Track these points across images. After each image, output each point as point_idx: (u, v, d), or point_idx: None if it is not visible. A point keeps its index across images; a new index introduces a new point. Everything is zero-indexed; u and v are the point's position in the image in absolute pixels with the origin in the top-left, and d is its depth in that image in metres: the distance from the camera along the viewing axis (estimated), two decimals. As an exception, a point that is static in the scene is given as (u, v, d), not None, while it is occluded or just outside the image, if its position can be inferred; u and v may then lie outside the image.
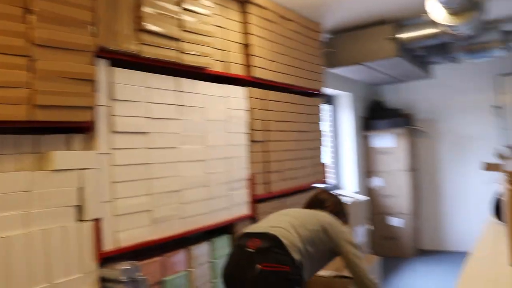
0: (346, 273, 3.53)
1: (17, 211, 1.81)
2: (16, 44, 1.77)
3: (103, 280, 2.08)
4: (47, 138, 1.97)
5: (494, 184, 4.10)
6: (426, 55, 4.63)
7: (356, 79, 5.38)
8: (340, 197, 2.74)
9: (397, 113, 5.84)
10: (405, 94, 6.09)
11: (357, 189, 5.53)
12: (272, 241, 2.10)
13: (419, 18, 4.02)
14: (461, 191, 5.81)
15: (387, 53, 4.04)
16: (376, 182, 5.77)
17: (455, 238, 5.85)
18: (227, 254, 2.25)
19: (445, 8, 3.11)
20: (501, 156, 3.87)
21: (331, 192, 2.81)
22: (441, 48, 4.54)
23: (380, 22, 4.09)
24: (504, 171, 2.28)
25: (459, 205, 5.84)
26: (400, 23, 4.18)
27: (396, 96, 6.15)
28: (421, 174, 6.06)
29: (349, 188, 5.56)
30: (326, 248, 2.33)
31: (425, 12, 3.87)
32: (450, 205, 5.91)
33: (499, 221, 2.51)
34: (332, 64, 4.41)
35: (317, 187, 2.77)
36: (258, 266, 2.00)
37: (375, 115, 5.89)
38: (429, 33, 3.92)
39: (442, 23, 3.31)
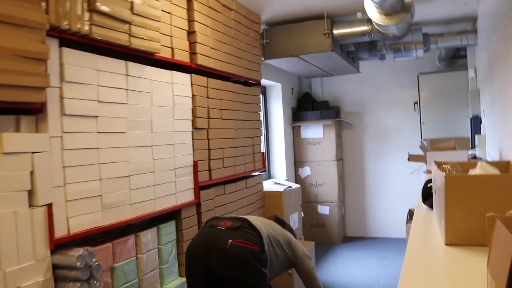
0: None
1: (-35, 195, 1.69)
2: (-34, 17, 1.66)
3: (56, 267, 2.02)
4: (-5, 119, 1.87)
5: (418, 173, 4.49)
6: (355, 51, 4.92)
7: (287, 70, 5.56)
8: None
9: (325, 105, 6.13)
10: (333, 87, 6.41)
11: (287, 178, 5.74)
12: (243, 222, 2.21)
13: (353, 15, 4.27)
14: (384, 180, 6.26)
15: (322, 47, 4.24)
16: (305, 171, 6.02)
17: (378, 225, 6.29)
18: (195, 235, 2.29)
19: (379, 9, 3.34)
20: (424, 148, 4.26)
21: None
22: (369, 45, 4.86)
23: (317, 17, 4.28)
24: (438, 162, 2.53)
25: (382, 193, 6.29)
26: (336, 19, 4.41)
27: (324, 88, 6.45)
28: (347, 164, 6.43)
29: (279, 176, 5.75)
30: (287, 256, 2.49)
31: (358, 10, 4.13)
32: (373, 193, 6.35)
33: (428, 207, 2.77)
34: (267, 55, 4.53)
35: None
36: (229, 240, 2.07)
37: (304, 106, 6.13)
38: (361, 31, 4.18)
39: (375, 22, 3.56)
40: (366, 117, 6.27)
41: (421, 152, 4.34)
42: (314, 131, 5.97)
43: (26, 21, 1.85)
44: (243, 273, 2.11)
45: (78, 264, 1.98)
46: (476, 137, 4.47)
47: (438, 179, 2.11)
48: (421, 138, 5.52)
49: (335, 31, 4.28)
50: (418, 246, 2.05)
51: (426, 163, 3.81)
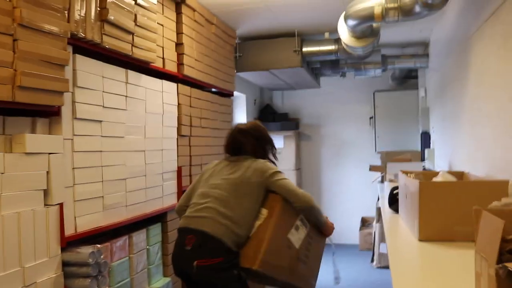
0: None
1: (-8, 193, 1.77)
2: (4, 23, 1.75)
3: (65, 264, 2.10)
4: (13, 120, 1.95)
5: (373, 183, 4.88)
6: (320, 67, 5.26)
7: (252, 81, 5.80)
8: (257, 125, 2.62)
9: (286, 117, 6.43)
10: (293, 100, 6.75)
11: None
12: (204, 236, 2.16)
13: (321, 35, 4.60)
14: (339, 189, 6.65)
15: (292, 63, 4.53)
16: (265, 179, 6.28)
17: (335, 231, 6.62)
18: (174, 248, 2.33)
19: (350, 32, 3.68)
20: (383, 159, 4.66)
21: (245, 126, 2.61)
22: (332, 63, 5.22)
23: (288, 35, 4.57)
24: (405, 172, 2.86)
25: (337, 202, 6.66)
26: (305, 37, 4.72)
27: (285, 101, 6.77)
28: (305, 173, 6.76)
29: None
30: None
31: (327, 31, 4.47)
32: (329, 201, 6.71)
33: (393, 212, 3.09)
34: (239, 68, 4.75)
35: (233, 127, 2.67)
36: (195, 263, 2.11)
37: (266, 117, 6.40)
38: (328, 49, 4.52)
39: (345, 42, 3.90)
40: (324, 130, 6.64)
41: (378, 163, 4.74)
42: (275, 141, 6.21)
43: (52, 29, 1.96)
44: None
45: (90, 260, 2.09)
46: (426, 150, 4.93)
47: (411, 185, 2.42)
48: (375, 150, 5.96)
49: (304, 49, 4.59)
50: (396, 243, 2.36)
51: (385, 173, 4.18)
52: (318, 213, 2.44)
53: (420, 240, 2.14)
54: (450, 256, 1.87)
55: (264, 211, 2.28)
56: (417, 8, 3.01)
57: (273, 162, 2.58)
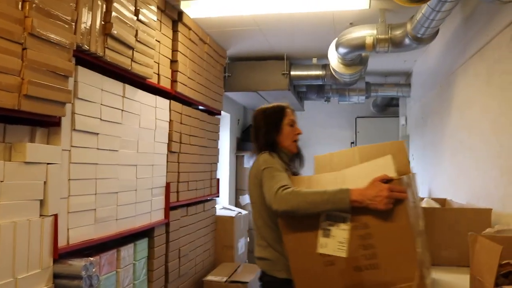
0: (237, 278, 3.91)
1: (-10, 201, 1.75)
2: (15, 31, 1.76)
3: (57, 276, 2.07)
4: (13, 128, 1.94)
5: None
6: (305, 91, 5.38)
7: (236, 101, 5.86)
8: (254, 113, 2.17)
9: (268, 138, 6.48)
10: (276, 122, 6.81)
11: (229, 205, 5.95)
12: None
13: (309, 60, 4.72)
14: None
15: (280, 85, 4.62)
16: (245, 199, 6.29)
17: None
18: None
19: (340, 59, 3.80)
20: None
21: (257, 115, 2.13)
22: (318, 88, 5.35)
23: (277, 58, 4.67)
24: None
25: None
26: (293, 61, 4.83)
27: (267, 122, 6.83)
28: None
29: (221, 203, 5.95)
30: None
31: (315, 56, 4.59)
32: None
33: None
34: (228, 88, 4.81)
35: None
36: None
37: (248, 137, 6.45)
38: (315, 74, 4.64)
39: (333, 68, 4.01)
40: (306, 152, 6.69)
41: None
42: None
43: (59, 40, 1.98)
44: None
45: (83, 273, 2.06)
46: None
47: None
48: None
49: (292, 72, 4.70)
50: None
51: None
52: (322, 204, 1.59)
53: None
54: (445, 279, 1.93)
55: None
56: (407, 41, 3.15)
57: (271, 149, 2.00)
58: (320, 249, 1.59)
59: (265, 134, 2.04)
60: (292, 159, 2.14)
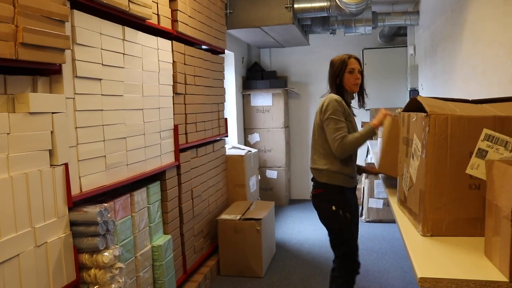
0: (251, 215, 3.98)
1: (0, 154, 1.73)
2: (3, -24, 1.66)
3: (73, 224, 2.11)
4: (14, 79, 1.89)
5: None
6: (310, 24, 5.19)
7: (240, 39, 5.70)
8: (331, 61, 2.78)
9: (274, 75, 6.38)
10: (281, 58, 6.67)
11: (238, 144, 5.97)
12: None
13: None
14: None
15: (283, 20, 4.45)
16: (254, 138, 6.30)
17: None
18: None
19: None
20: (373, 116, 4.69)
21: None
22: (323, 20, 5.15)
23: (280, -10, 4.47)
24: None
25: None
26: (297, -7, 4.63)
27: (272, 59, 6.69)
28: (293, 131, 6.80)
29: (230, 142, 5.97)
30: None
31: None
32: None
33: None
34: (230, 25, 4.66)
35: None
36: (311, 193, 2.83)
37: (254, 75, 6.35)
38: (320, 6, 4.45)
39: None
40: (312, 87, 6.63)
41: (368, 120, 4.79)
42: (264, 100, 6.22)
43: (51, -17, 1.87)
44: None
45: (98, 219, 2.09)
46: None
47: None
48: (364, 108, 6.00)
49: (296, 5, 4.51)
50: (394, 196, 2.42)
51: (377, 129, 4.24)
52: (355, 144, 2.56)
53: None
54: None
55: None
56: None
57: (338, 89, 2.72)
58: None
59: (332, 78, 2.73)
60: (355, 97, 2.84)
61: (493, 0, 2.65)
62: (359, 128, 2.74)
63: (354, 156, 2.76)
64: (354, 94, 2.79)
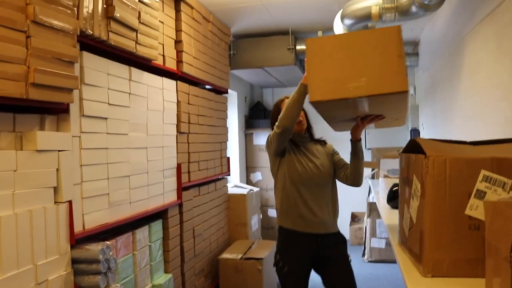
0: (252, 254, 3.95)
1: (5, 191, 1.76)
2: (18, 19, 1.74)
3: (74, 261, 2.11)
4: (22, 117, 1.94)
5: (365, 179, 4.96)
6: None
7: (243, 79, 5.82)
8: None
9: (276, 114, 6.46)
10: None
11: (241, 183, 5.98)
12: None
13: (314, 33, 4.65)
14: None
15: (286, 61, 4.57)
16: (257, 176, 6.31)
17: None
18: None
19: (346, 31, 3.73)
20: (375, 155, 4.74)
21: None
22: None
23: (282, 33, 4.60)
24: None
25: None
26: (298, 35, 4.76)
27: (275, 98, 6.80)
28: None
29: (233, 181, 5.98)
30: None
31: (320, 29, 4.52)
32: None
33: (392, 208, 3.15)
34: (233, 66, 4.78)
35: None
36: None
37: (257, 114, 6.43)
38: (321, 47, 4.57)
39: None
40: (314, 127, 6.67)
41: (369, 160, 4.83)
42: (265, 138, 6.26)
43: (63, 26, 1.96)
44: None
45: (100, 257, 2.10)
46: (416, 147, 5.02)
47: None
48: (366, 147, 6.04)
49: (298, 47, 4.63)
50: (396, 236, 2.42)
51: (378, 169, 4.27)
52: (286, 108, 2.26)
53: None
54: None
55: None
56: (414, 9, 3.08)
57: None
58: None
59: (272, 126, 2.52)
60: (304, 135, 2.65)
61: (488, 45, 2.74)
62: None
63: (309, 186, 2.46)
64: (304, 133, 2.60)
